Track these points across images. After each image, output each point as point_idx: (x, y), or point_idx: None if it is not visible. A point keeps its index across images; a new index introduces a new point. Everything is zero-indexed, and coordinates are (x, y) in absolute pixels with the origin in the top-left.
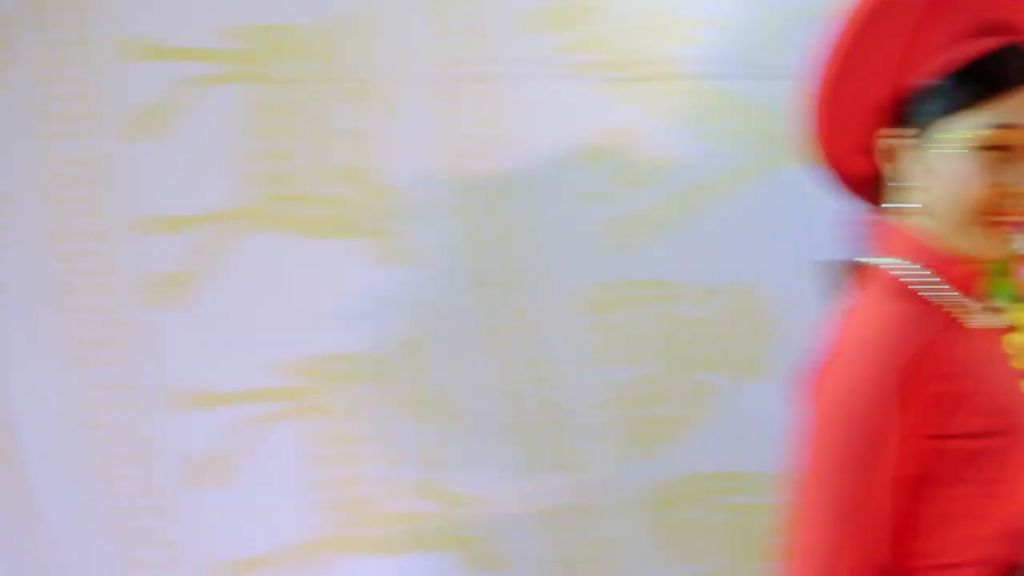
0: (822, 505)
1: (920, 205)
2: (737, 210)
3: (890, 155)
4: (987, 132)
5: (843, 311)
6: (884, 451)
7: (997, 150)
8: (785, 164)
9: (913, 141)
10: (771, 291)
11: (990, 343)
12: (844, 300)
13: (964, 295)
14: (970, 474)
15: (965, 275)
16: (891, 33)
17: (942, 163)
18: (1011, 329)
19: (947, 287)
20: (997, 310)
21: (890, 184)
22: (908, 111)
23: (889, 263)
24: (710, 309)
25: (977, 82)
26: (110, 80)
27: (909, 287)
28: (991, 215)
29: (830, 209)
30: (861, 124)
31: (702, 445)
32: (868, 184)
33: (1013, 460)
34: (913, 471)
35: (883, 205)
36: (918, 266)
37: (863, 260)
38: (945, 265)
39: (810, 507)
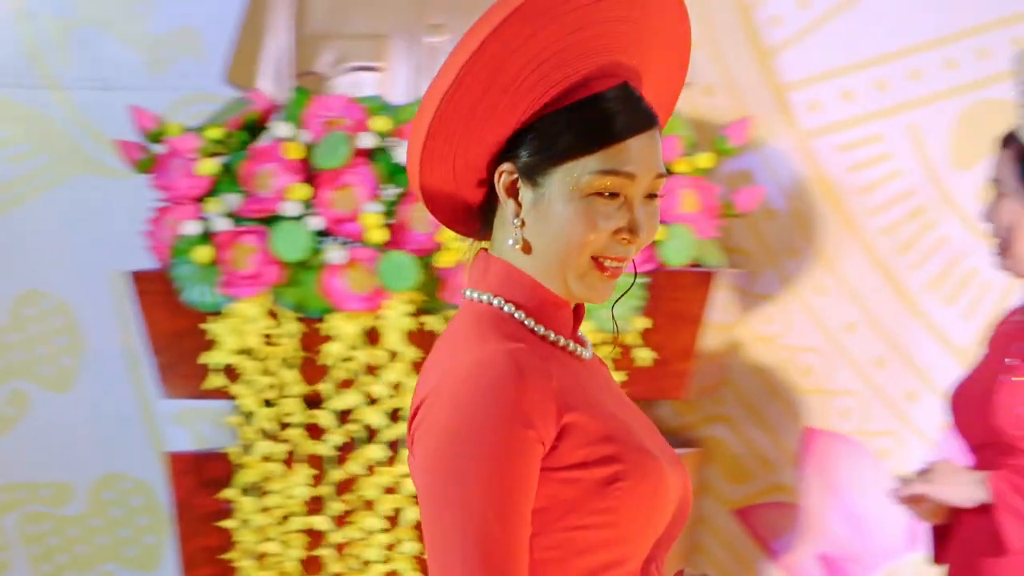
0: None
1: (521, 243)
2: (27, 220)
3: (505, 190)
4: (595, 178)
5: (437, 346)
6: (526, 491)
7: (611, 199)
8: (76, 174)
9: (526, 179)
10: (74, 301)
11: (592, 375)
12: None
13: (558, 332)
14: (584, 505)
15: (560, 313)
16: (509, 64)
17: (550, 205)
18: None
19: (542, 325)
20: (586, 344)
21: (498, 218)
22: (522, 149)
23: (486, 298)
24: (18, 319)
25: (592, 123)
26: None
27: (509, 322)
28: (598, 260)
29: (130, 219)
30: (475, 156)
31: (11, 455)
32: (465, 214)
33: (628, 488)
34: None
35: (484, 238)
36: (513, 304)
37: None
38: (542, 303)
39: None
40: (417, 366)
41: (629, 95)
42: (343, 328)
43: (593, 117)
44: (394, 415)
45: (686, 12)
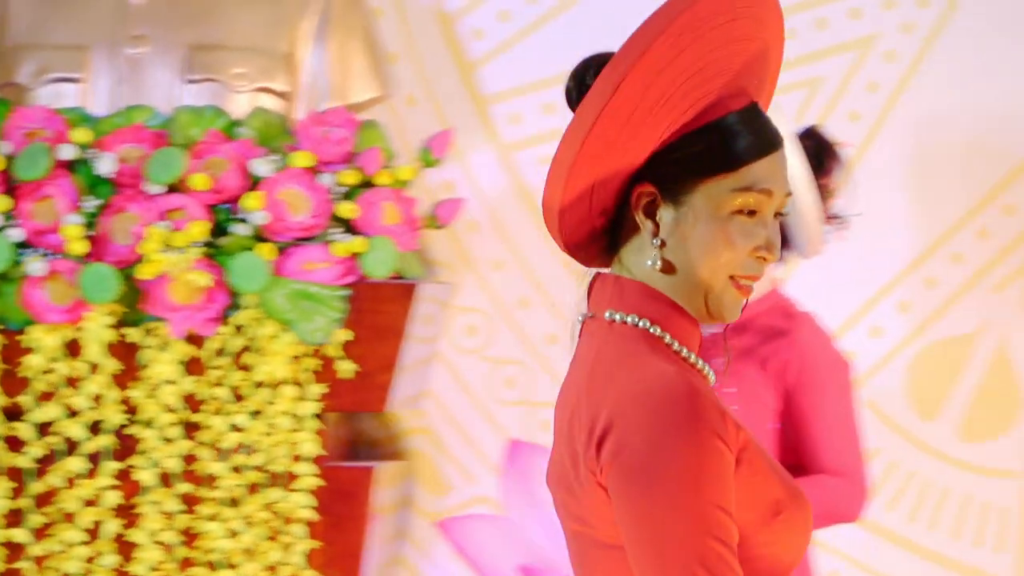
0: None
1: (661, 263)
2: None
3: (643, 210)
4: (738, 196)
5: (577, 368)
6: (727, 492)
7: (751, 216)
8: None
9: (667, 198)
10: None
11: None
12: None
13: (696, 353)
14: (752, 536)
15: (695, 333)
16: (659, 83)
17: (693, 224)
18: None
19: (685, 346)
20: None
21: (630, 241)
22: (663, 169)
23: (631, 319)
24: None
25: (734, 142)
26: None
27: (658, 343)
28: (736, 279)
29: None
30: (613, 177)
31: None
32: (588, 238)
33: (787, 520)
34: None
35: (602, 264)
36: (658, 325)
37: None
38: (680, 324)
39: None
40: (118, 378)
41: (760, 114)
42: (44, 340)
43: (735, 136)
44: (94, 427)
45: (783, 35)
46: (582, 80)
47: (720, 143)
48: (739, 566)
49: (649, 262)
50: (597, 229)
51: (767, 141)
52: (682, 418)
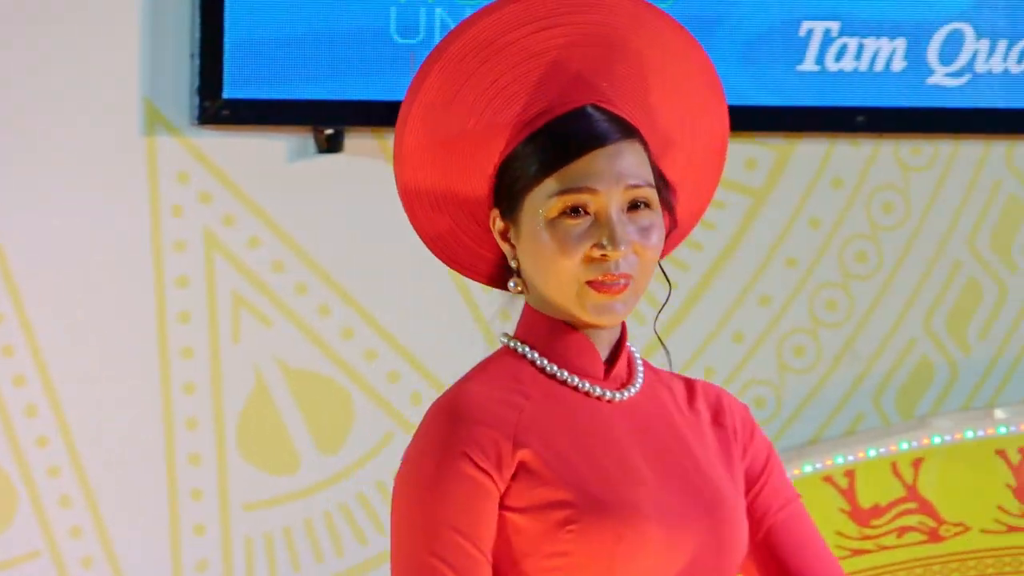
0: None
1: (520, 284)
2: None
3: (499, 235)
4: (556, 200)
5: None
6: (455, 519)
7: (577, 216)
8: None
9: (506, 219)
10: None
11: (607, 416)
12: None
13: (572, 371)
14: (539, 548)
15: (575, 349)
16: (455, 107)
17: (530, 237)
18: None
19: (554, 364)
20: (631, 381)
21: (510, 264)
22: (498, 191)
23: (505, 339)
24: None
25: (544, 149)
26: None
27: (515, 362)
28: (592, 283)
29: None
30: (475, 210)
31: None
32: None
33: (579, 533)
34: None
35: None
36: (528, 344)
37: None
38: (555, 341)
39: None
40: None
41: (585, 115)
42: None
43: (546, 143)
44: None
45: (658, 20)
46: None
47: (533, 152)
48: None
49: (511, 284)
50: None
51: (582, 141)
52: (433, 436)
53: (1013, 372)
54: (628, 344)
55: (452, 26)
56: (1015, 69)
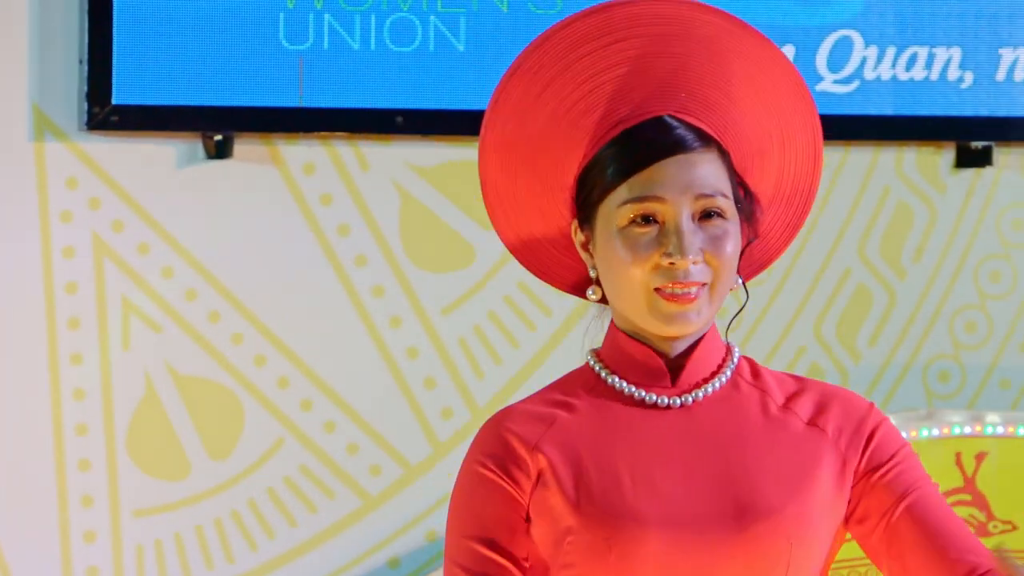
0: None
1: (598, 294)
2: None
3: (580, 247)
4: (625, 208)
5: None
6: (479, 521)
7: (647, 225)
8: None
9: (584, 230)
10: None
11: (652, 426)
12: None
13: (631, 381)
14: (555, 559)
15: (637, 360)
16: (530, 123)
17: (603, 247)
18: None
19: (616, 375)
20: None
21: (592, 272)
22: (576, 204)
23: (587, 356)
24: None
25: (616, 158)
26: None
27: (584, 376)
28: (660, 291)
29: None
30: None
31: None
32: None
33: (575, 544)
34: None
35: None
36: (598, 358)
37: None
38: (620, 353)
39: None
40: None
41: (660, 125)
42: None
43: (618, 152)
44: None
45: (741, 32)
46: None
47: (605, 163)
48: None
49: (589, 291)
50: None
51: (652, 150)
52: (470, 450)
53: (903, 379)
54: (724, 346)
55: (341, 32)
56: (903, 76)
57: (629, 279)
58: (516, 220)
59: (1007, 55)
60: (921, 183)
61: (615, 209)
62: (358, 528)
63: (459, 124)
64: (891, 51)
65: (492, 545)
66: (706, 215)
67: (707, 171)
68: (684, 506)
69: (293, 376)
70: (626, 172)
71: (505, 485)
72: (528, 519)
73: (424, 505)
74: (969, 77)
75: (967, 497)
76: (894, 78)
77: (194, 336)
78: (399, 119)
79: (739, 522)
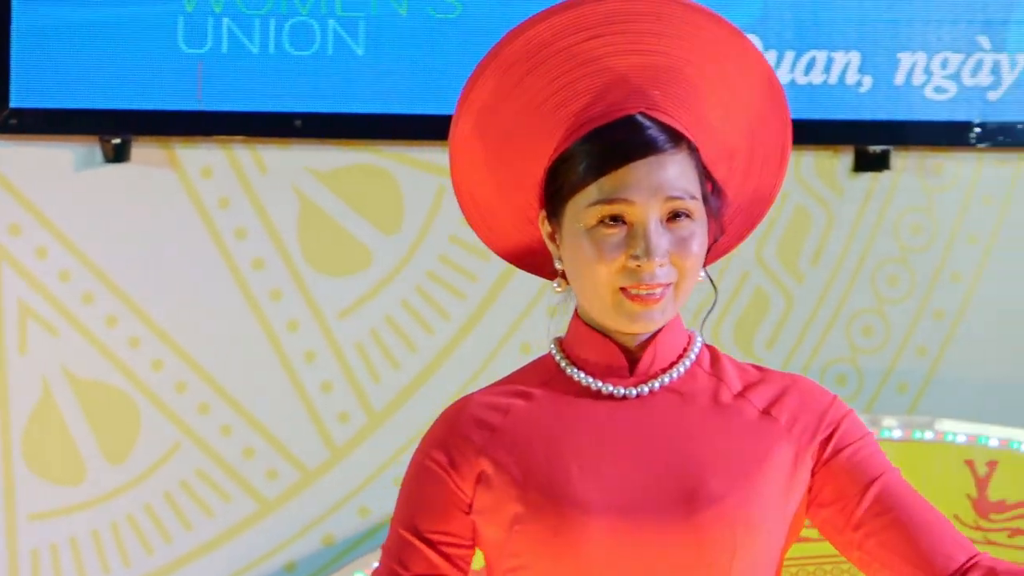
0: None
1: (563, 285)
2: None
3: (546, 237)
4: (594, 208)
5: None
6: (419, 509)
7: (615, 226)
8: None
9: (551, 223)
10: None
11: (607, 416)
12: None
13: (589, 371)
14: (504, 548)
15: (596, 351)
16: (502, 114)
17: (571, 243)
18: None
19: (574, 366)
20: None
21: (557, 264)
22: (545, 196)
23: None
24: None
25: (586, 158)
26: None
27: (544, 365)
28: (626, 290)
29: None
30: (520, 203)
31: None
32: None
33: (522, 532)
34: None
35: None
36: (560, 348)
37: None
38: (581, 344)
39: None
40: None
41: (631, 124)
42: None
43: (588, 151)
44: None
45: (717, 29)
46: None
47: (574, 161)
48: (406, 566)
49: (554, 284)
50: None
51: (622, 151)
52: (421, 441)
53: None
54: (686, 336)
55: (240, 36)
56: (802, 80)
57: (595, 277)
58: (488, 215)
59: (905, 59)
60: (819, 187)
61: (584, 208)
62: (254, 532)
63: (358, 128)
64: (790, 55)
65: (415, 531)
66: (674, 216)
67: (676, 172)
68: (631, 495)
69: (190, 380)
70: (596, 172)
71: (444, 475)
72: (471, 511)
73: (321, 509)
74: (868, 81)
75: None
76: (793, 82)
77: (91, 340)
78: (298, 122)
79: (685, 510)
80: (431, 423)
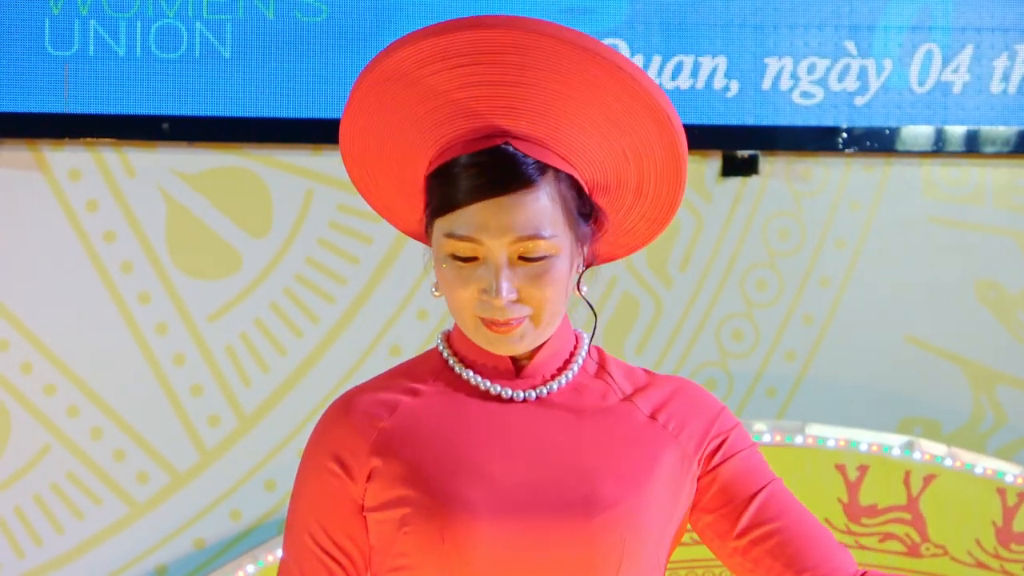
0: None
1: (437, 293)
2: None
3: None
4: (445, 242)
5: None
6: (311, 510)
7: (467, 261)
8: None
9: (429, 230)
10: None
11: (500, 417)
12: None
13: (477, 371)
14: (391, 547)
15: (483, 354)
16: (370, 131)
17: (436, 260)
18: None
19: (461, 364)
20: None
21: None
22: (426, 200)
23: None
24: None
25: (439, 190)
26: None
27: (432, 361)
28: (484, 319)
29: None
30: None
31: None
32: None
33: (412, 532)
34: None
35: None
36: (448, 346)
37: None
38: (468, 345)
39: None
40: None
41: (490, 159)
42: None
43: (441, 184)
44: None
45: (587, 55)
46: None
47: (435, 189)
48: (299, 568)
49: (432, 289)
50: None
51: (473, 188)
52: (311, 437)
53: None
54: (573, 338)
55: (106, 38)
56: (669, 84)
57: (456, 302)
58: (386, 201)
59: (773, 64)
60: (688, 192)
61: (440, 236)
62: (125, 535)
63: (225, 131)
64: (657, 59)
65: (314, 540)
66: (524, 257)
67: (531, 212)
68: (522, 497)
69: (60, 383)
70: (444, 208)
71: (339, 482)
72: (363, 510)
73: (191, 512)
74: (735, 86)
75: None
76: (660, 86)
77: None
78: (165, 125)
79: (577, 515)
80: (314, 421)
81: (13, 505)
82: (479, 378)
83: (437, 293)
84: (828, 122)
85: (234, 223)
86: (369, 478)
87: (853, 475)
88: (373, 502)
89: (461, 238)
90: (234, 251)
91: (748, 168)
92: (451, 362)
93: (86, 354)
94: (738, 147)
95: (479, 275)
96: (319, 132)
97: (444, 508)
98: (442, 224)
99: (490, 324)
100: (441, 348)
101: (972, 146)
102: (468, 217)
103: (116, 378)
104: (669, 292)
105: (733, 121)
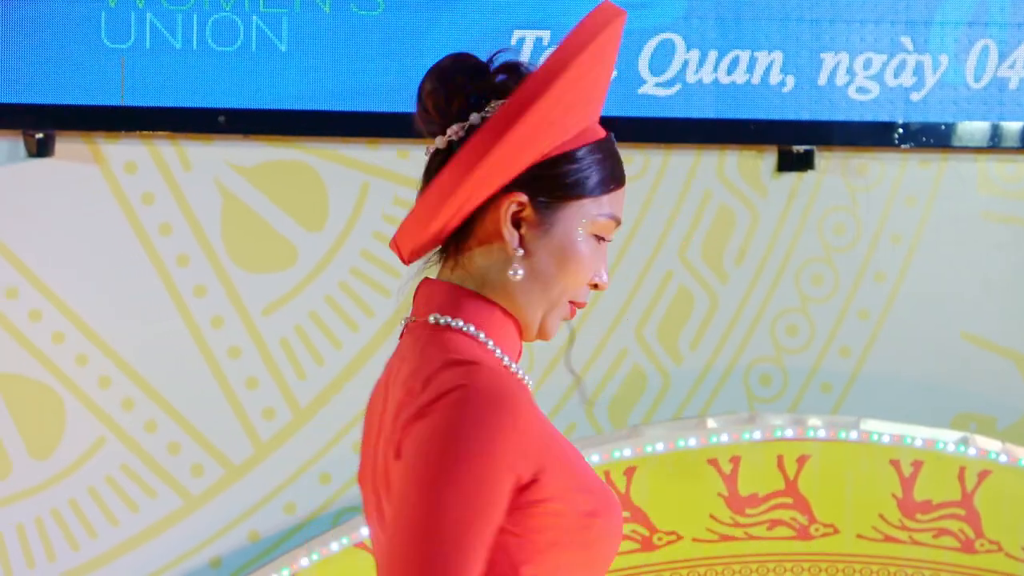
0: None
1: (523, 272)
2: None
3: (510, 218)
4: (605, 221)
5: (396, 366)
6: (486, 531)
7: (598, 239)
8: None
9: (539, 210)
10: None
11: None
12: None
13: (512, 360)
14: (565, 537)
15: (517, 344)
16: (565, 97)
17: (563, 240)
18: None
19: (507, 355)
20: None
21: (482, 247)
22: (541, 181)
23: (459, 324)
24: None
25: (608, 168)
26: None
27: (483, 350)
28: (573, 303)
29: None
30: (497, 182)
31: None
32: (432, 241)
33: (604, 524)
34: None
35: (462, 264)
36: (489, 336)
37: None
38: (507, 335)
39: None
40: None
41: (615, 145)
42: None
43: (603, 162)
44: None
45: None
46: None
47: (599, 165)
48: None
49: (511, 272)
50: (447, 231)
51: (622, 172)
52: (481, 430)
53: (724, 382)
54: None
55: (163, 31)
56: (725, 79)
57: (573, 280)
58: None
59: (828, 59)
60: (743, 186)
61: (594, 215)
62: (180, 528)
63: (281, 124)
64: (713, 54)
65: (487, 546)
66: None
67: None
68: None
69: (115, 375)
70: (616, 184)
71: (511, 487)
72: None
73: (246, 505)
74: (791, 81)
75: (789, 500)
76: (716, 81)
77: (15, 335)
78: (221, 118)
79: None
80: (472, 406)
81: (68, 497)
82: (515, 365)
83: (518, 276)
84: (884, 117)
85: (290, 216)
86: (541, 471)
87: (907, 471)
88: (544, 494)
89: (618, 221)
90: (289, 244)
91: (804, 163)
92: (500, 354)
93: (141, 347)
94: (794, 142)
95: (602, 257)
96: (375, 126)
97: (614, 500)
98: (596, 204)
99: (575, 307)
100: (483, 338)
101: None
102: (620, 199)
103: (171, 371)
104: (724, 287)
105: (789, 116)
